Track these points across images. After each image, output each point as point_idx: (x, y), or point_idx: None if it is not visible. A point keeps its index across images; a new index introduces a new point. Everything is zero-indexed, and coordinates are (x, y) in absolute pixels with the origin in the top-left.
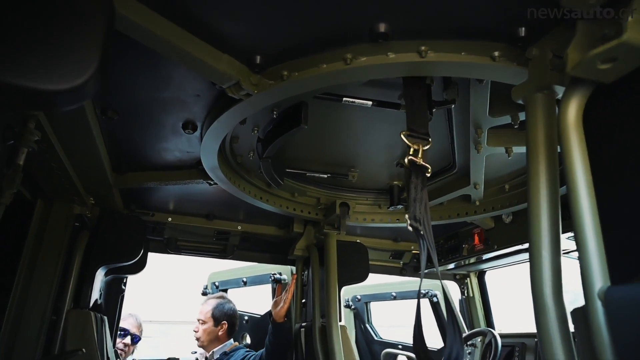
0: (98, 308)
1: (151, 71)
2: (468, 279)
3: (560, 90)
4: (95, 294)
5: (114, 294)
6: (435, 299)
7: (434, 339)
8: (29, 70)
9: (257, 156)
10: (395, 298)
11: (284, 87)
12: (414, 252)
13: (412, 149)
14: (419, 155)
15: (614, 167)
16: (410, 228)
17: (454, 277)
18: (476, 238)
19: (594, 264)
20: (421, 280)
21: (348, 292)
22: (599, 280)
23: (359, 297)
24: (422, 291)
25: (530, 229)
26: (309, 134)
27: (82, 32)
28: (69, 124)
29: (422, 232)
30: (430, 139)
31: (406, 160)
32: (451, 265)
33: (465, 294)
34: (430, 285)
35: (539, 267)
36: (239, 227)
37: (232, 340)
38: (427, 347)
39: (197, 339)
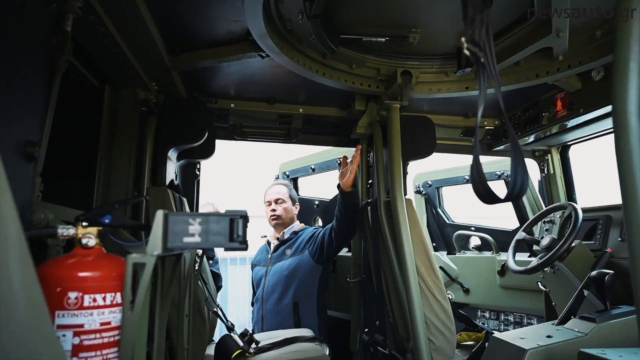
0: (175, 188)
1: None
2: (549, 155)
3: None
4: (171, 175)
5: (190, 179)
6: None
7: (512, 222)
8: None
9: (306, 17)
10: (467, 181)
11: None
12: (487, 127)
13: None
14: None
15: None
16: (466, 52)
17: (532, 155)
18: (559, 104)
19: None
20: (479, 116)
21: (418, 178)
22: None
23: (429, 182)
24: (497, 172)
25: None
26: None
27: None
28: None
29: (482, 60)
30: None
31: None
32: (531, 139)
33: (545, 172)
34: (506, 165)
35: (624, 76)
36: (301, 110)
37: (299, 222)
38: (486, 181)
39: (278, 217)
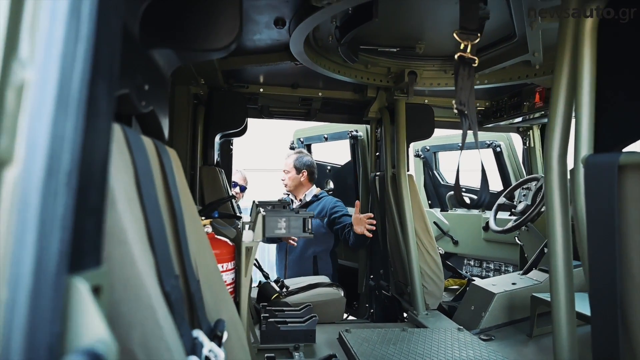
0: (218, 164)
1: None
2: (531, 131)
3: None
4: (216, 155)
5: (226, 153)
6: (498, 149)
7: (495, 183)
8: (198, 37)
9: (336, 40)
10: (460, 148)
11: None
12: (478, 108)
13: (462, 45)
14: (468, 50)
15: (616, 62)
16: (455, 111)
17: (517, 130)
18: (537, 96)
19: (584, 136)
20: (461, 150)
21: (418, 143)
22: (585, 149)
23: (427, 147)
24: (487, 141)
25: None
26: (380, 12)
27: (228, 7)
28: None
29: (465, 112)
30: (479, 35)
31: (456, 56)
32: (518, 119)
33: (527, 145)
34: (495, 136)
35: (552, 132)
36: (320, 94)
37: (315, 186)
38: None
39: (285, 185)
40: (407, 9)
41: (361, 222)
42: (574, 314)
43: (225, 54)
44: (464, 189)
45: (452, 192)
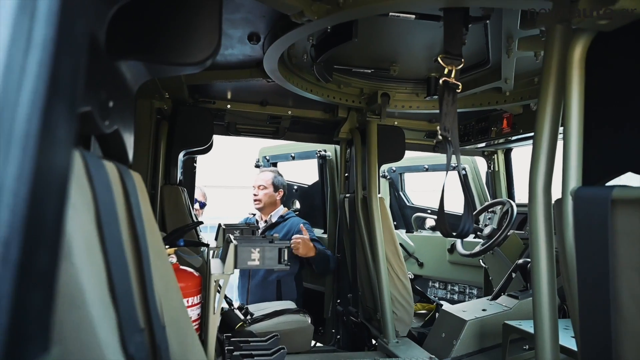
0: (180, 183)
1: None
2: (495, 155)
3: None
4: (179, 173)
5: (189, 171)
6: (463, 172)
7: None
8: (172, 50)
9: (311, 59)
10: (427, 170)
11: (339, 14)
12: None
13: (446, 70)
14: (452, 75)
15: (603, 94)
16: (440, 137)
17: (482, 153)
18: (505, 122)
19: (572, 168)
20: (446, 175)
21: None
22: (574, 181)
23: (394, 168)
24: (452, 164)
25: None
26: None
27: (207, 19)
28: None
29: (449, 139)
30: (462, 60)
31: (441, 81)
32: (481, 144)
33: (492, 169)
34: (461, 160)
35: (536, 162)
36: (289, 112)
37: (283, 206)
38: (446, 221)
39: (258, 201)
40: (383, 31)
41: (296, 246)
42: (557, 347)
43: (200, 70)
44: (428, 211)
45: (418, 214)
